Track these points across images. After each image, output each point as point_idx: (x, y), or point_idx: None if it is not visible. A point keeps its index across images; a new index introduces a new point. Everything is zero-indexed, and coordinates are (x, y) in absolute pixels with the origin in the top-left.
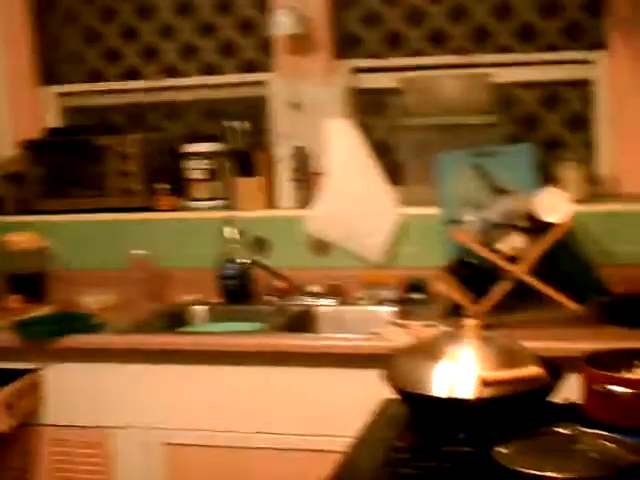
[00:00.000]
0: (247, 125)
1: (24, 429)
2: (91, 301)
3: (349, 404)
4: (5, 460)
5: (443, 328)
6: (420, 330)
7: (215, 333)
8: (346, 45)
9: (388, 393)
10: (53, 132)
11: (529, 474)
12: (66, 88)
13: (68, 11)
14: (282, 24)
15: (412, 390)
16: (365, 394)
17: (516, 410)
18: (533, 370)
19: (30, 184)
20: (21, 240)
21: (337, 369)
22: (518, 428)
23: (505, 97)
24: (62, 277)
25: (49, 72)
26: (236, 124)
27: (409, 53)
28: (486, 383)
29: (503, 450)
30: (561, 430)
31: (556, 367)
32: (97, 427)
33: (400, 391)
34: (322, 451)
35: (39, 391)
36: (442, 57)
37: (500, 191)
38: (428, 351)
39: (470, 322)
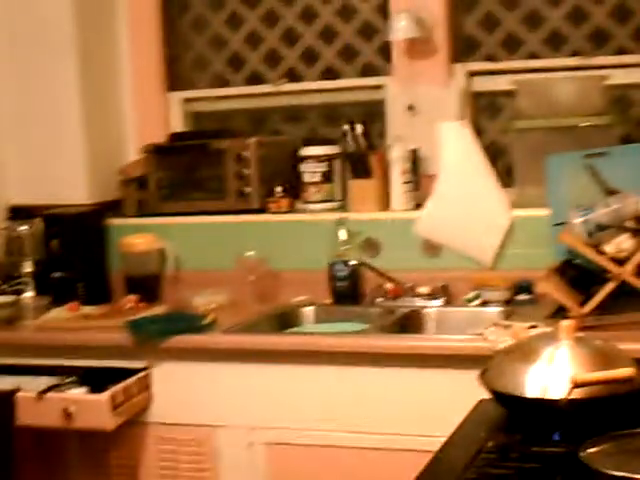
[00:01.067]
0: (364, 128)
1: (131, 427)
2: (202, 301)
3: (450, 405)
4: (111, 457)
5: (545, 329)
6: (522, 331)
7: (322, 334)
8: (463, 48)
9: (486, 394)
10: (175, 137)
11: (616, 476)
12: (191, 93)
13: (197, 17)
14: (401, 28)
15: (505, 391)
16: (466, 395)
17: (609, 411)
18: (627, 371)
19: (150, 187)
20: (139, 242)
21: (439, 370)
22: (611, 429)
23: (620, 98)
24: (176, 278)
25: (175, 78)
26: (354, 127)
27: (525, 56)
28: (577, 384)
29: (592, 451)
30: None
31: None
32: (203, 425)
33: (493, 392)
34: (422, 451)
35: (148, 390)
36: (558, 59)
37: (612, 192)
38: (523, 352)
39: (566, 324)
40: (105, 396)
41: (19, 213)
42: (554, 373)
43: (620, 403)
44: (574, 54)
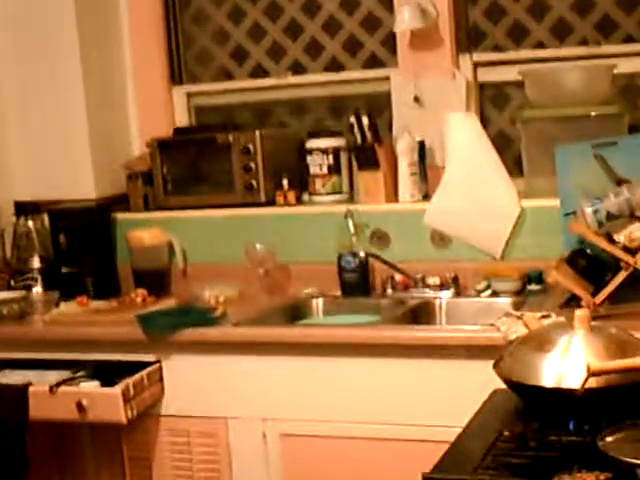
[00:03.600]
0: (370, 120)
1: (143, 419)
2: (211, 295)
3: (462, 395)
4: (125, 450)
5: (557, 319)
6: (534, 321)
7: (332, 326)
8: (469, 39)
9: (500, 383)
10: (180, 131)
11: (634, 464)
12: (195, 87)
13: (199, 11)
14: (405, 19)
15: (520, 380)
16: (478, 385)
17: (625, 400)
18: None
19: (156, 182)
20: (146, 236)
21: (450, 360)
22: (627, 417)
23: (628, 87)
24: (184, 271)
25: (179, 71)
26: (360, 119)
27: (532, 46)
28: (593, 373)
29: (609, 439)
30: None
31: None
32: (215, 418)
33: (508, 381)
34: (435, 441)
35: (159, 383)
36: (565, 49)
37: (621, 181)
38: (537, 342)
39: (581, 312)
40: (118, 389)
41: (25, 209)
42: (570, 362)
43: (636, 391)
44: (581, 43)
